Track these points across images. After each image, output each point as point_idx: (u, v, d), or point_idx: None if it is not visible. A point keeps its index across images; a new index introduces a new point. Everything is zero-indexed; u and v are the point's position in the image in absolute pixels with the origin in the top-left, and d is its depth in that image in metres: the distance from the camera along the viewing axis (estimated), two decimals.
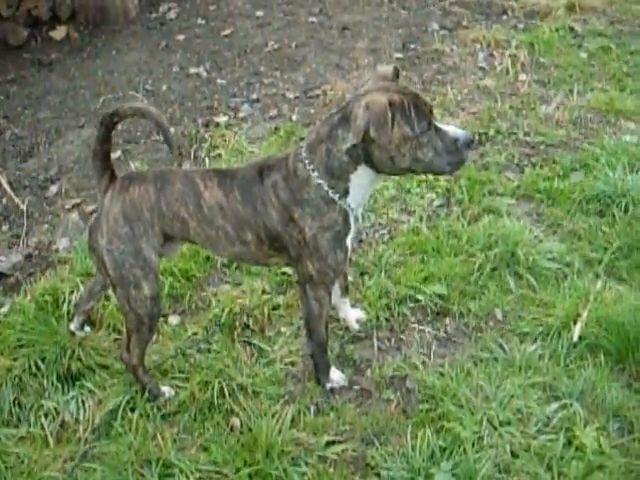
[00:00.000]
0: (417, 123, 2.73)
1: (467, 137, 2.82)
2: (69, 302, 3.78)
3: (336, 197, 2.91)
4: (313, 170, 2.89)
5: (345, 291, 3.63)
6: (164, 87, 6.34)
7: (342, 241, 3.01)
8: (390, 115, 2.66)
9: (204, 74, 6.53)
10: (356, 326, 3.71)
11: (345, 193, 2.93)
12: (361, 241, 4.26)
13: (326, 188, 2.89)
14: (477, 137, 5.18)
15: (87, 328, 3.68)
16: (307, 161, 2.90)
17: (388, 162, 2.80)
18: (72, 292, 3.82)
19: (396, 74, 2.95)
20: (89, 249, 3.19)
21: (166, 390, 3.37)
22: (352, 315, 3.72)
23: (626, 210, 4.40)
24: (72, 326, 3.63)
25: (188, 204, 3.04)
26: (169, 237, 3.14)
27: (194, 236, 3.13)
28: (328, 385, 3.40)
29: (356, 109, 2.73)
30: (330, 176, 2.89)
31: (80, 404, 3.35)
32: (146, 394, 3.33)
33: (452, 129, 2.85)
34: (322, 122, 2.94)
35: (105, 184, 3.07)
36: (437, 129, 2.80)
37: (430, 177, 4.71)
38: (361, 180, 2.91)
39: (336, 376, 3.43)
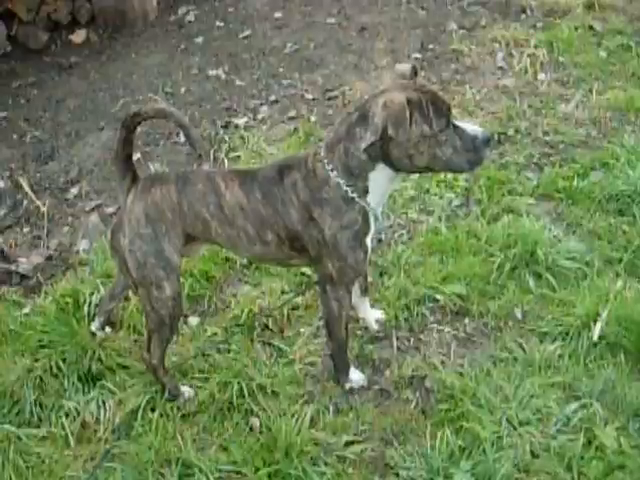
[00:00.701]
0: (435, 121, 2.72)
1: (485, 135, 2.81)
2: (89, 303, 3.81)
3: (355, 196, 2.90)
4: (332, 169, 2.88)
5: (365, 291, 3.63)
6: (183, 89, 6.35)
7: (362, 240, 3.00)
8: (408, 113, 2.66)
9: (223, 76, 6.54)
10: (375, 326, 3.71)
11: (364, 192, 2.92)
12: (380, 241, 4.25)
13: (345, 187, 2.88)
14: (496, 137, 5.16)
15: (108, 329, 3.70)
16: (326, 160, 2.89)
17: (406, 160, 2.78)
18: (92, 293, 3.85)
19: (414, 72, 2.95)
20: (111, 250, 3.22)
21: (186, 390, 3.39)
22: (371, 315, 3.72)
23: None
24: (93, 326, 3.66)
25: (209, 204, 3.04)
26: (191, 238, 3.14)
27: (216, 236, 3.13)
28: (347, 385, 3.41)
29: (374, 107, 2.73)
30: (349, 175, 2.88)
31: (100, 404, 3.38)
32: (166, 394, 3.34)
33: (470, 127, 2.83)
34: (340, 121, 2.94)
35: (127, 185, 3.09)
36: (455, 127, 2.79)
37: (449, 177, 4.70)
38: (380, 179, 2.90)
39: (356, 376, 3.43)
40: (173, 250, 3.06)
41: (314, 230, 2.97)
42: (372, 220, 3.01)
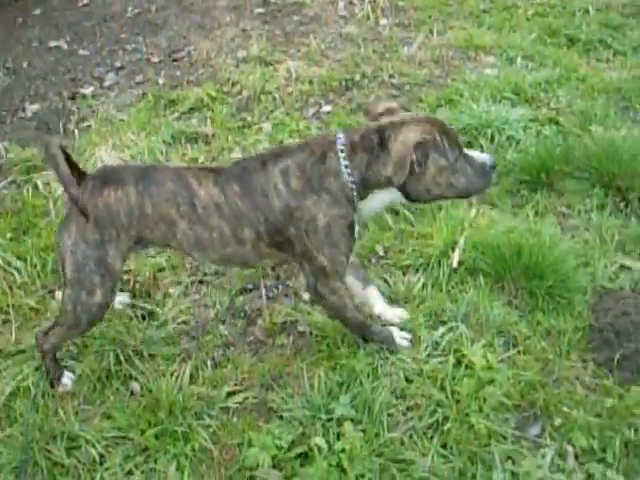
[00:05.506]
0: (450, 152, 2.80)
1: (493, 160, 2.93)
2: None
3: (356, 199, 2.90)
4: (349, 174, 2.85)
5: (366, 280, 3.45)
6: (25, 64, 6.17)
7: (352, 230, 2.98)
8: (414, 157, 2.71)
9: (65, 46, 6.39)
10: (396, 320, 3.45)
11: (363, 198, 2.92)
12: None
13: (353, 192, 2.88)
14: (343, 83, 5.28)
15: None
16: (345, 162, 2.85)
17: (424, 192, 2.86)
18: None
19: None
20: (55, 244, 3.07)
21: (66, 381, 3.31)
22: (390, 313, 3.45)
23: (492, 139, 4.58)
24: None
25: (180, 204, 2.90)
26: (142, 242, 3.05)
27: (181, 239, 2.99)
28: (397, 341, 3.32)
29: (392, 143, 2.76)
30: (362, 184, 2.86)
31: None
32: (51, 378, 3.28)
33: (477, 154, 2.95)
34: (361, 133, 2.88)
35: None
36: (466, 155, 2.88)
37: (301, 128, 4.77)
38: (385, 197, 2.96)
39: (397, 333, 3.32)
40: (118, 256, 2.96)
41: (301, 221, 2.89)
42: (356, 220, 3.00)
